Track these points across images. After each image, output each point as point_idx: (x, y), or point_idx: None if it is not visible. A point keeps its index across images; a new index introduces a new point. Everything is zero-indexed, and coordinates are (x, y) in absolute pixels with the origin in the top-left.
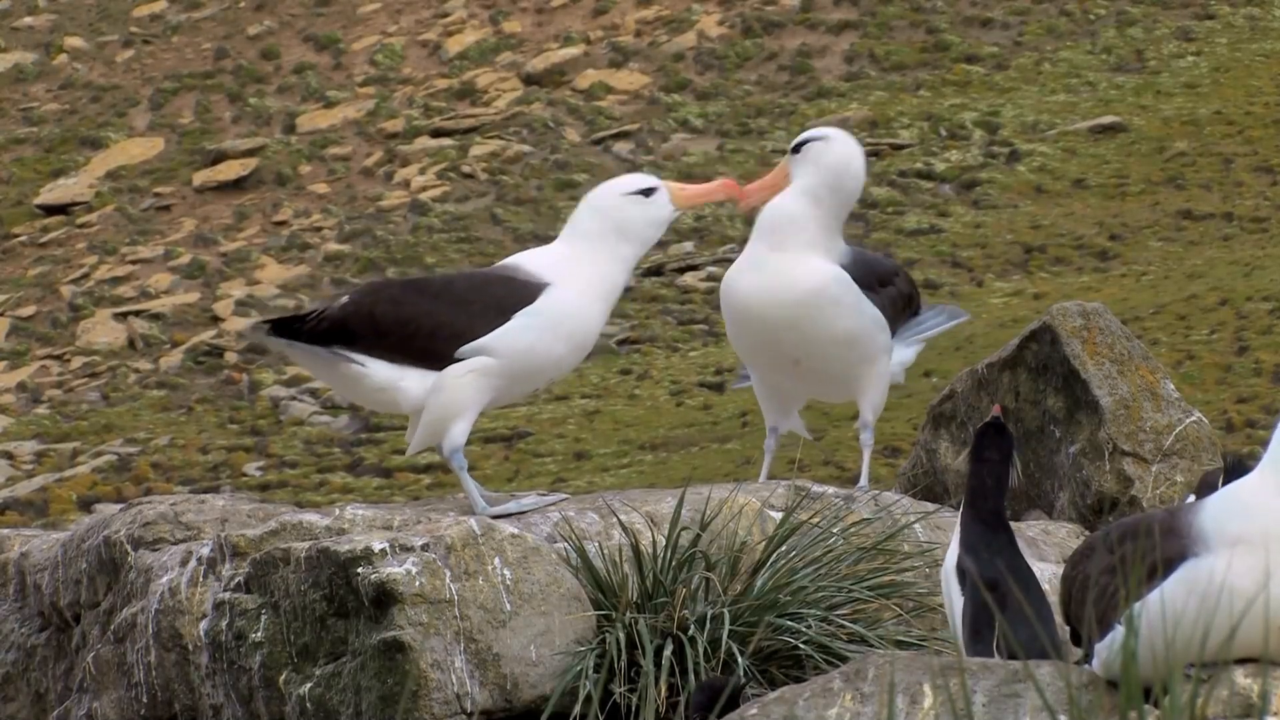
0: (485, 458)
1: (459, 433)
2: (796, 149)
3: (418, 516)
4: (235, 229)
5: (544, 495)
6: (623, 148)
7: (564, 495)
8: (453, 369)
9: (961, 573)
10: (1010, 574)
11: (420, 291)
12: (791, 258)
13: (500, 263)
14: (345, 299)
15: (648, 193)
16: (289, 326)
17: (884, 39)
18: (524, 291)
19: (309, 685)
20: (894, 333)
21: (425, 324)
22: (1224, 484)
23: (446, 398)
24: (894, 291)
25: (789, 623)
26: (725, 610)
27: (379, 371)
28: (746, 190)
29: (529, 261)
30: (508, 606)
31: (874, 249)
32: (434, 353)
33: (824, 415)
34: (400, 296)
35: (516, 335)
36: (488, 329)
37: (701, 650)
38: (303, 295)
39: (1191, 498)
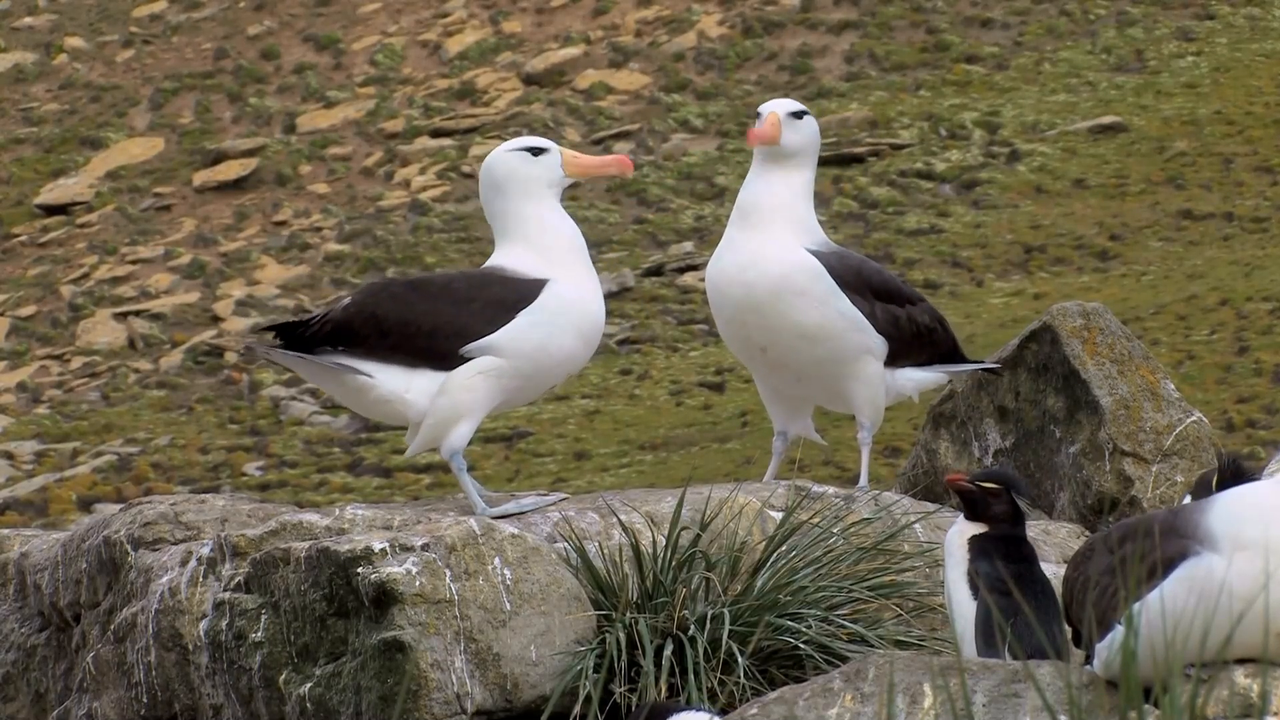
0: (485, 458)
1: (460, 436)
2: (798, 115)
3: (418, 516)
4: (235, 229)
5: (544, 495)
6: (623, 148)
7: (563, 495)
8: (460, 371)
9: (973, 582)
10: (1021, 582)
11: (421, 291)
12: (769, 239)
13: (483, 266)
14: (347, 300)
15: (536, 152)
16: (294, 334)
17: (884, 39)
18: (525, 288)
19: (309, 685)
20: (899, 356)
21: (426, 323)
22: (1218, 483)
23: (453, 400)
24: (900, 314)
25: (789, 623)
26: (725, 610)
27: (385, 383)
28: (757, 134)
29: (514, 263)
30: (508, 606)
31: (874, 249)
32: (436, 352)
33: (824, 415)
34: (402, 295)
35: (524, 334)
36: (489, 327)
37: (701, 650)
38: (302, 295)
39: (1188, 498)
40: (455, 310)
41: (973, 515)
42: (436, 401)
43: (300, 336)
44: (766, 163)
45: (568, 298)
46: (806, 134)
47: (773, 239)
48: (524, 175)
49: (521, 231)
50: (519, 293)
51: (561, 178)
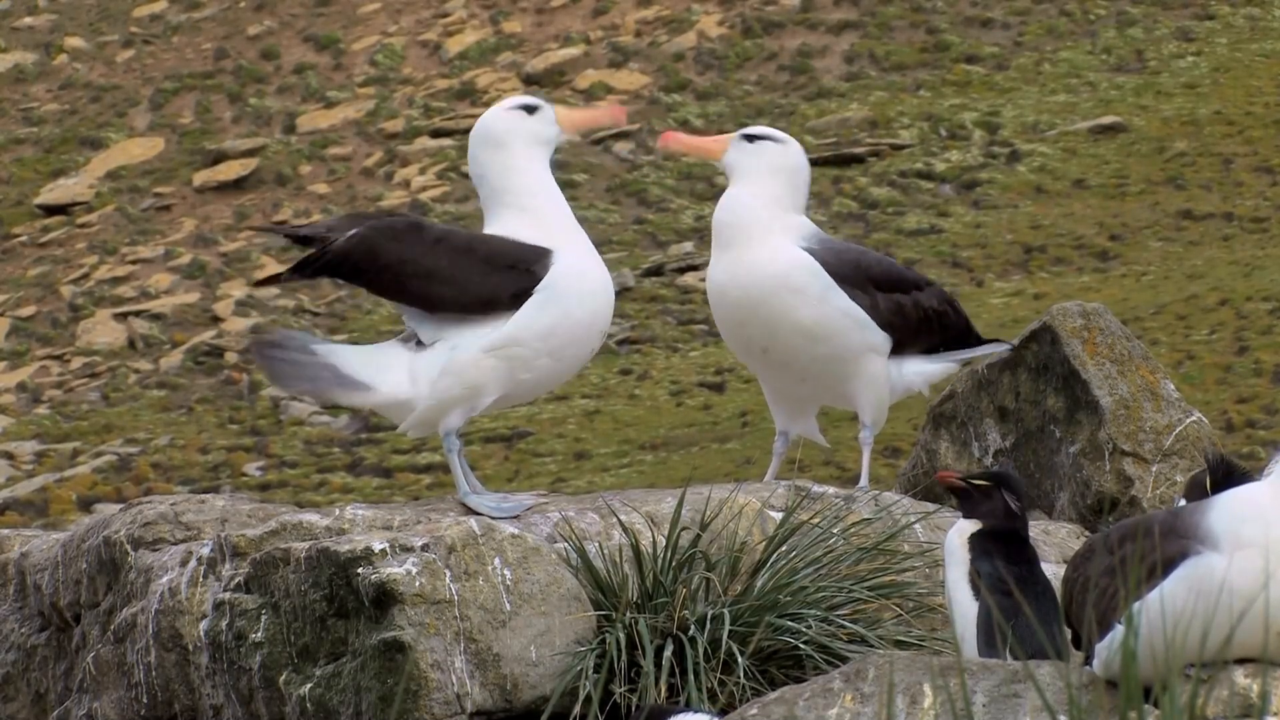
0: (485, 457)
1: (459, 416)
2: (750, 139)
3: (418, 516)
4: (235, 229)
5: (540, 496)
6: (623, 148)
7: (543, 496)
8: (470, 354)
9: (973, 582)
10: (1022, 583)
11: (423, 233)
12: (755, 244)
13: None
14: (352, 231)
15: (530, 109)
16: (307, 246)
17: (884, 39)
18: (528, 252)
19: (309, 685)
20: (906, 344)
21: (423, 264)
22: (1211, 482)
23: (466, 378)
24: (905, 301)
25: (789, 623)
26: (725, 610)
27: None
28: (676, 136)
29: (511, 233)
30: (508, 607)
31: (874, 249)
32: (427, 296)
33: (823, 415)
34: (403, 234)
35: (537, 316)
36: (482, 282)
37: (701, 650)
38: (303, 296)
39: (1181, 500)
40: (451, 258)
41: (966, 511)
42: (443, 381)
43: (309, 260)
44: (731, 180)
45: (576, 269)
46: (760, 157)
47: (764, 241)
48: (524, 132)
49: (517, 195)
50: (520, 254)
51: (557, 134)
